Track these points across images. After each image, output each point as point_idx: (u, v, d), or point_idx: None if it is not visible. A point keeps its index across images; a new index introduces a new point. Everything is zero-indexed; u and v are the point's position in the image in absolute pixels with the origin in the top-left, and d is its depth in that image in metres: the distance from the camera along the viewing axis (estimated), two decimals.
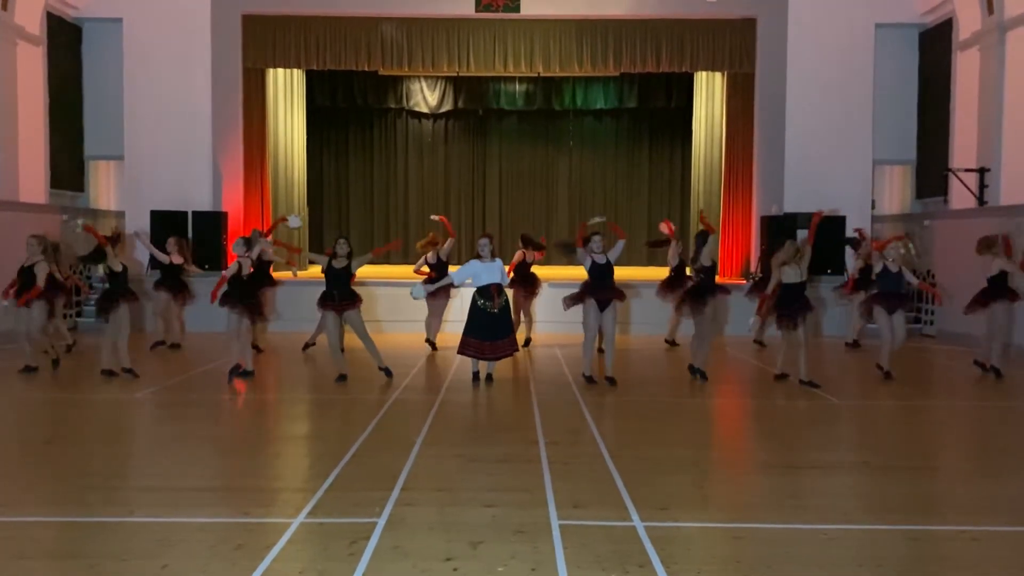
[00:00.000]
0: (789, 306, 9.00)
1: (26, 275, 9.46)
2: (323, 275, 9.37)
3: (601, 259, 9.02)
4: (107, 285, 9.42)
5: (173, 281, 11.61)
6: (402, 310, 13.32)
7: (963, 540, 4.53)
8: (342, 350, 9.47)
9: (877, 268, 9.88)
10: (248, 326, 9.38)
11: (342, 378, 9.14)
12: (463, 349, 8.98)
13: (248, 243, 9.48)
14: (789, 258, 8.95)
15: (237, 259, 9.19)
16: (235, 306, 9.09)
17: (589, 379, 9.09)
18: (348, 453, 6.06)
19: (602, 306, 9.02)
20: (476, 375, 9.11)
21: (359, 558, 4.13)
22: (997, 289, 9.76)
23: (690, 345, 9.74)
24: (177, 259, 11.52)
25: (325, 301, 9.29)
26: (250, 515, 4.78)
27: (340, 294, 9.21)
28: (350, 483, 5.37)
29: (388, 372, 9.32)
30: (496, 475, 5.61)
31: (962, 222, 13.20)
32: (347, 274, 9.24)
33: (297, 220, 10.88)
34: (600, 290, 9.00)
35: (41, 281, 9.38)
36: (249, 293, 9.35)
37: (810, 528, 4.64)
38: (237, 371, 9.15)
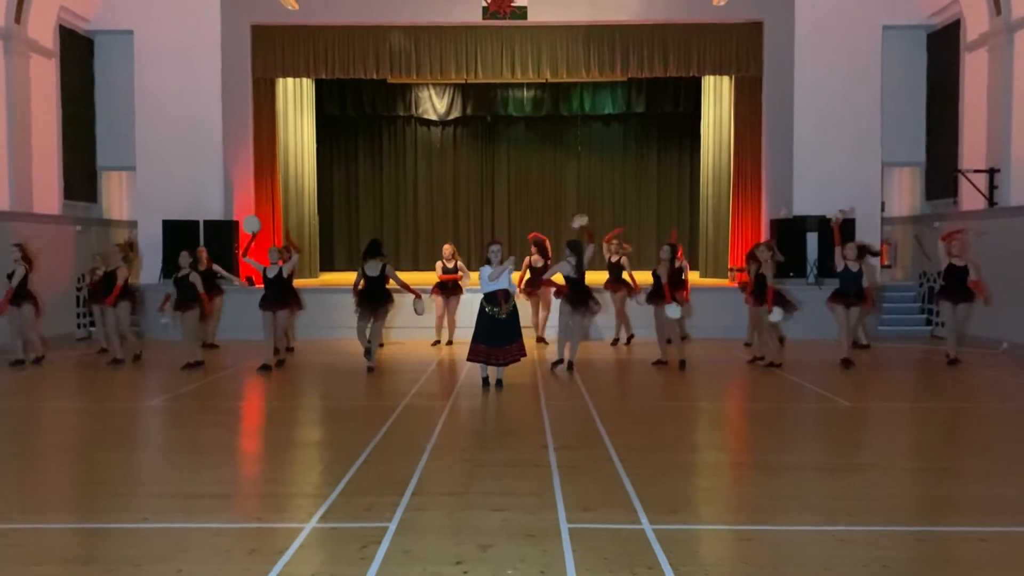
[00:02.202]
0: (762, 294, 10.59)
1: (108, 280, 11.06)
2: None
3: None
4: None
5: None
6: (410, 316, 13.36)
7: (971, 541, 4.54)
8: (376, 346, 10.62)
9: (839, 266, 10.71)
10: (278, 325, 10.45)
11: (369, 370, 10.25)
12: (472, 356, 9.16)
13: (280, 253, 10.70)
14: (764, 258, 10.65)
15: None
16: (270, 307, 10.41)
17: (556, 364, 10.32)
18: (359, 459, 6.12)
19: (577, 308, 10.28)
20: (485, 380, 9.25)
21: (370, 562, 4.18)
22: None
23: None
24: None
25: (362, 300, 10.39)
26: (262, 520, 4.84)
27: (376, 294, 10.35)
28: (361, 488, 5.43)
29: (371, 369, 10.33)
30: (505, 479, 5.65)
31: (972, 223, 13.16)
32: (382, 279, 10.31)
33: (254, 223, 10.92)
34: (576, 298, 10.25)
35: (121, 281, 10.93)
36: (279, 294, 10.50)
37: (818, 530, 4.66)
38: (265, 368, 10.28)
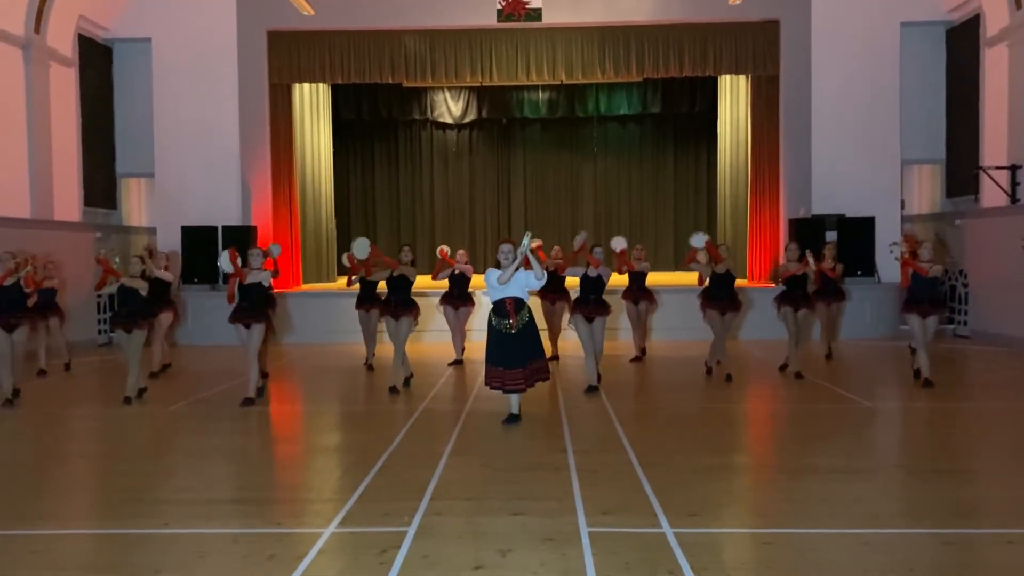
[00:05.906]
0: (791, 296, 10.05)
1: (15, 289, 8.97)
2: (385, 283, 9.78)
3: (593, 273, 9.17)
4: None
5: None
6: (424, 321, 13.39)
7: (998, 543, 4.46)
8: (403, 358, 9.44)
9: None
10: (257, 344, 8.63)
11: (393, 390, 9.07)
12: (488, 380, 7.62)
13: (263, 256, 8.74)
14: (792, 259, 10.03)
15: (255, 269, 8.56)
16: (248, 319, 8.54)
17: (592, 388, 8.97)
18: (377, 464, 6.10)
19: (589, 319, 9.15)
20: (512, 417, 7.54)
21: (389, 567, 4.16)
22: None
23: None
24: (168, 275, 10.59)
25: (384, 307, 9.64)
26: (282, 526, 4.83)
27: (397, 300, 9.48)
28: (380, 493, 5.41)
29: (396, 389, 9.12)
30: (524, 483, 5.61)
31: (994, 220, 13.01)
32: (407, 281, 9.55)
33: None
34: (586, 305, 9.20)
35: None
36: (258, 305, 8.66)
37: (842, 533, 4.59)
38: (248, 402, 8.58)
